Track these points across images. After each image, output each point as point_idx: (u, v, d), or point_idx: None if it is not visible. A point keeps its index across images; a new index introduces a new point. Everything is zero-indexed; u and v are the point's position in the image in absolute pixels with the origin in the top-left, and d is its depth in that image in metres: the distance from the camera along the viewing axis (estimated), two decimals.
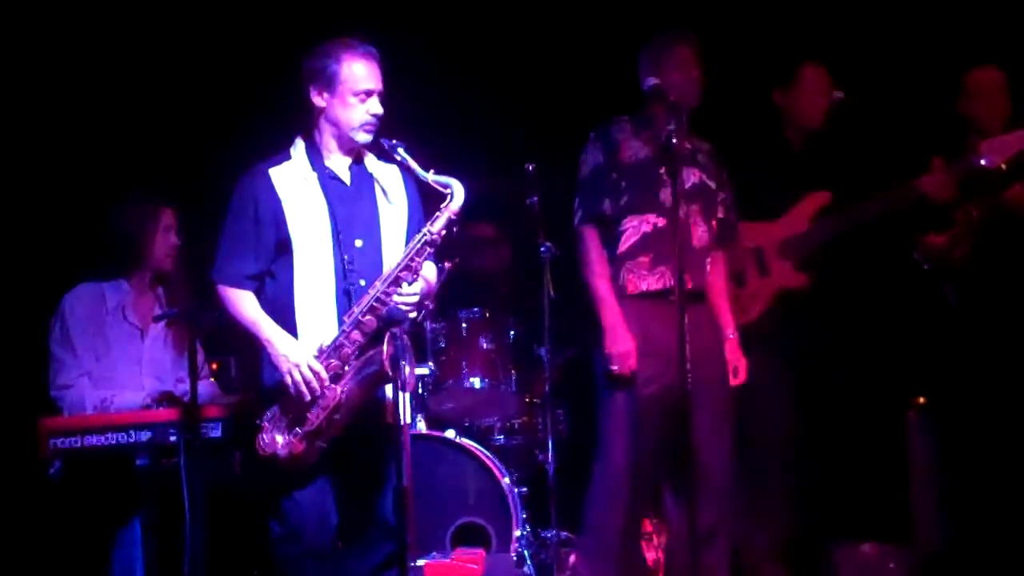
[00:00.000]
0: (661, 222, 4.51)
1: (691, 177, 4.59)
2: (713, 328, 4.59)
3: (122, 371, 4.69)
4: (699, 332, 4.39)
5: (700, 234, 4.58)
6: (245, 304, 4.01)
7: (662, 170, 4.51)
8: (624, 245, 4.55)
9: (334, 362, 3.91)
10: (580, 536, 4.78)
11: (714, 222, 4.64)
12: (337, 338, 3.92)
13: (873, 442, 5.42)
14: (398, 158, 3.98)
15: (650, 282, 4.51)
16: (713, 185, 4.63)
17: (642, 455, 4.49)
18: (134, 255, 4.74)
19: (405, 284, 3.93)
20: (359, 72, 3.99)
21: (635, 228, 4.53)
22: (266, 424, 3.92)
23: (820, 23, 5.68)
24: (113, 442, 4.29)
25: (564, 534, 5.06)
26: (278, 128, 4.14)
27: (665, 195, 4.51)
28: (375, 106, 4.00)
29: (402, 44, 4.17)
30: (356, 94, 3.98)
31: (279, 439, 3.90)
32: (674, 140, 4.25)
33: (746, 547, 5.05)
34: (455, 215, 3.95)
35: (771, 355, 5.00)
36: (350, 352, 3.92)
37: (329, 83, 3.99)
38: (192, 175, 5.28)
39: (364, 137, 4.03)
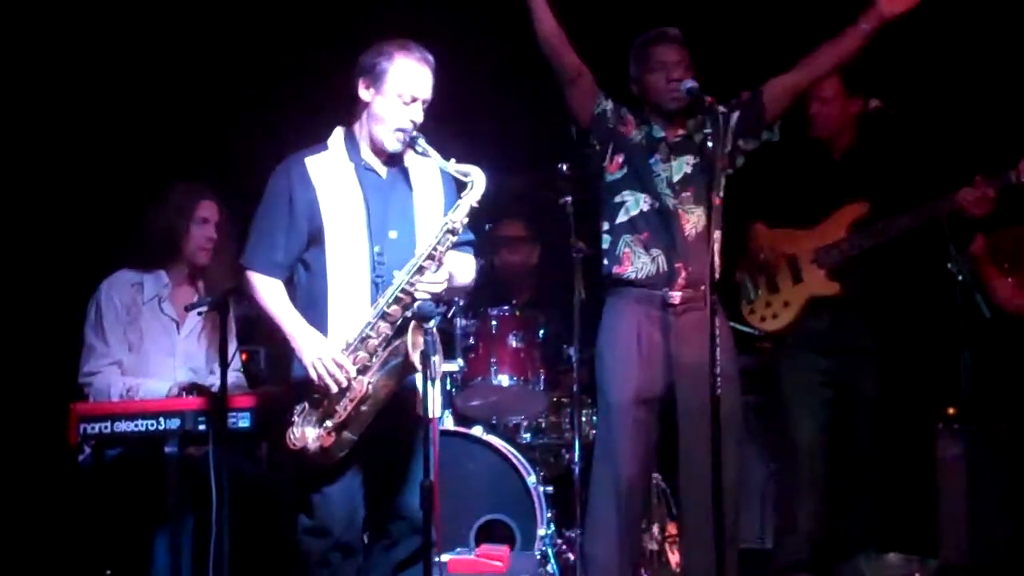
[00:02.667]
0: (657, 205, 4.47)
1: (684, 167, 4.51)
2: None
3: (155, 362, 4.71)
4: (694, 336, 4.33)
5: (694, 221, 4.46)
6: (273, 294, 4.02)
7: (656, 157, 4.49)
8: (625, 216, 4.48)
9: (361, 354, 3.92)
10: (583, 532, 4.74)
11: (715, 199, 4.41)
12: (363, 330, 3.93)
13: (901, 452, 5.38)
14: (419, 149, 3.97)
15: (644, 262, 4.44)
16: (708, 163, 4.44)
17: (638, 461, 4.45)
18: (168, 248, 4.76)
19: (429, 272, 3.93)
20: (409, 75, 3.98)
21: (634, 202, 4.48)
22: (296, 419, 3.93)
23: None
24: (143, 429, 4.31)
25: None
26: (321, 121, 4.15)
27: (657, 183, 4.47)
28: (416, 113, 3.99)
29: (438, 38, 4.16)
30: (401, 95, 3.98)
31: (310, 433, 3.90)
32: (709, 144, 4.23)
33: (773, 555, 5.05)
34: (476, 203, 3.95)
35: (799, 365, 4.99)
36: (377, 344, 3.93)
37: (378, 79, 3.99)
38: (240, 167, 5.30)
39: (394, 144, 4.01)
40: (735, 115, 4.52)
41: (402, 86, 3.97)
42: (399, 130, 3.98)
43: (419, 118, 3.99)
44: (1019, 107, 5.26)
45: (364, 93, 4.03)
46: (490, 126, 5.79)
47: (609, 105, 4.54)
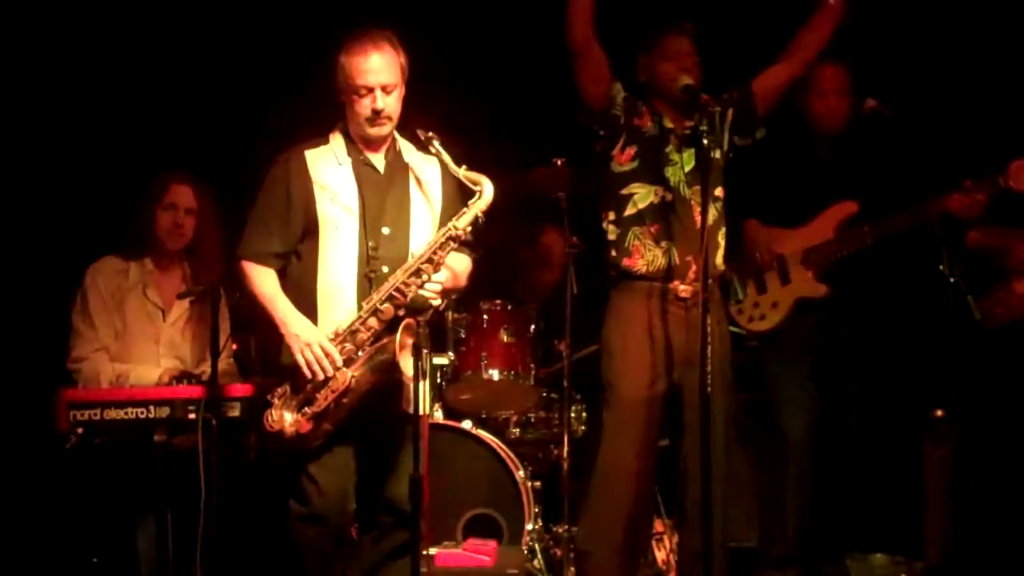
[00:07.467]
0: (668, 197, 4.44)
1: (693, 159, 4.46)
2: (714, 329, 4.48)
3: (139, 349, 4.70)
4: (695, 331, 4.28)
5: (702, 215, 4.37)
6: (265, 281, 4.05)
7: (667, 149, 4.47)
8: (633, 208, 4.45)
9: (348, 346, 3.95)
10: (579, 528, 4.74)
11: (719, 191, 4.48)
12: (353, 323, 3.96)
13: (889, 453, 5.40)
14: (433, 151, 4.02)
15: (655, 255, 4.41)
16: (704, 161, 4.36)
17: (647, 458, 4.45)
18: (141, 234, 4.75)
19: (427, 276, 3.95)
20: (357, 68, 4.00)
21: (643, 194, 4.45)
22: (276, 401, 3.97)
23: (858, 26, 5.61)
24: (132, 416, 4.30)
25: (576, 529, 5.04)
26: (324, 114, 4.20)
27: (670, 174, 4.45)
28: (376, 102, 3.99)
29: (434, 35, 4.19)
30: (355, 90, 4.00)
31: (287, 417, 3.95)
32: (705, 142, 4.22)
33: (760, 552, 5.06)
34: (482, 213, 3.98)
35: (789, 363, 4.99)
36: (365, 338, 3.96)
37: (342, 82, 4.04)
38: (237, 157, 5.29)
39: (373, 131, 4.04)
40: (730, 112, 4.52)
41: (354, 80, 4.00)
42: (367, 119, 4.00)
43: (379, 106, 3.99)
44: (1010, 108, 5.26)
45: (341, 96, 4.07)
46: (485, 121, 5.77)
47: (622, 95, 4.52)
